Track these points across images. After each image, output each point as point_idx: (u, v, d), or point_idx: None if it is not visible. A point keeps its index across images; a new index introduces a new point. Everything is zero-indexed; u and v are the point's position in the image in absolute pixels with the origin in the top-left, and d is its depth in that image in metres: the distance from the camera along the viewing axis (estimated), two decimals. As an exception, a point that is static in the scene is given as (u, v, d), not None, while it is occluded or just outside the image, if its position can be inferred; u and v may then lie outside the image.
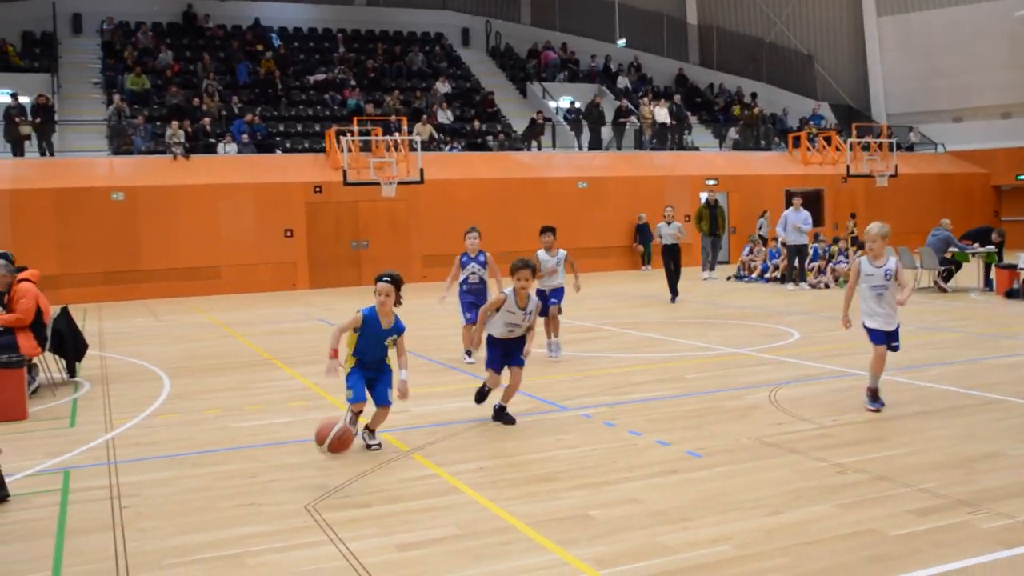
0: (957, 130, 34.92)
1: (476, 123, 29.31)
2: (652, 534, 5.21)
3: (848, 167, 29.52)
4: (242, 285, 23.34)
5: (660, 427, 7.71)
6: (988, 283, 18.68)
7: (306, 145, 26.56)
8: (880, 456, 6.66)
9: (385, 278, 6.96)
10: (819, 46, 37.98)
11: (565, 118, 30.52)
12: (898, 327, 8.23)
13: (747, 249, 23.70)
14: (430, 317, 16.21)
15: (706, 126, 33.53)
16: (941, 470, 6.29)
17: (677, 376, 10.10)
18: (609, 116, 30.75)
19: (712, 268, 23.60)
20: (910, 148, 34.38)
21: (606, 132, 30.07)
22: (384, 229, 24.78)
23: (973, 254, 19.08)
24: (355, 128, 24.17)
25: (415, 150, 23.96)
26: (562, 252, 11.67)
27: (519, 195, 25.85)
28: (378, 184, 23.15)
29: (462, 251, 11.44)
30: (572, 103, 31.43)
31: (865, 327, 8.23)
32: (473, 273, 11.27)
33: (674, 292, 18.01)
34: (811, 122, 34.15)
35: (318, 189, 24.07)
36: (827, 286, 20.15)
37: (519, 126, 29.86)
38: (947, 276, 19.09)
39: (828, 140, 31.28)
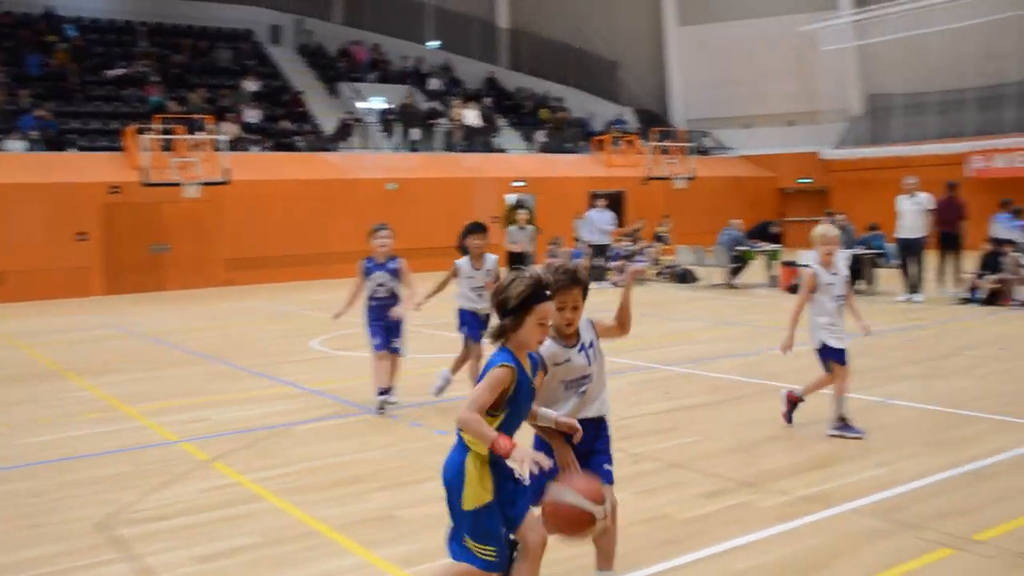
0: (748, 136, 36.97)
1: (285, 123, 28.72)
2: (456, 530, 5.29)
3: (648, 170, 30.75)
4: (28, 292, 21.93)
5: (466, 425, 7.81)
6: (773, 279, 19.89)
7: (104, 143, 25.26)
8: (673, 445, 7.01)
9: (545, 292, 3.70)
10: (624, 53, 39.34)
11: (379, 119, 30.37)
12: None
13: (553, 249, 24.28)
14: (236, 320, 15.79)
15: (515, 129, 34.11)
16: (728, 455, 6.69)
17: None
18: (420, 118, 30.81)
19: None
20: (706, 152, 36.12)
21: (416, 134, 30.11)
22: (187, 232, 23.88)
23: (759, 252, 20.28)
24: (157, 126, 23.20)
25: (220, 150, 23.22)
26: (492, 258, 8.86)
27: (328, 197, 25.50)
28: (180, 185, 22.31)
29: (368, 254, 8.86)
30: (384, 104, 31.29)
31: (828, 347, 7.29)
32: (381, 285, 8.68)
33: None
34: (615, 126, 35.34)
35: (115, 190, 22.94)
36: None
37: (329, 126, 29.48)
38: (736, 273, 20.23)
39: (631, 144, 32.47)
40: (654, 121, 36.75)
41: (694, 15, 37.75)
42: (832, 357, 7.26)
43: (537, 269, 3.74)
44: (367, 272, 8.68)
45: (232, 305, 15.10)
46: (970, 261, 17.07)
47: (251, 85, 30.18)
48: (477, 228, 8.26)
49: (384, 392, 8.43)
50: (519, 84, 38.51)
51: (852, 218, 20.90)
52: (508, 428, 3.65)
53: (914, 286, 16.57)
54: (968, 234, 17.33)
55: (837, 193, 33.33)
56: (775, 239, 20.85)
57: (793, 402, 7.52)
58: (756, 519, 5.33)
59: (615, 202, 28.80)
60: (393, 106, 30.92)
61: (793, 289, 18.29)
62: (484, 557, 3.61)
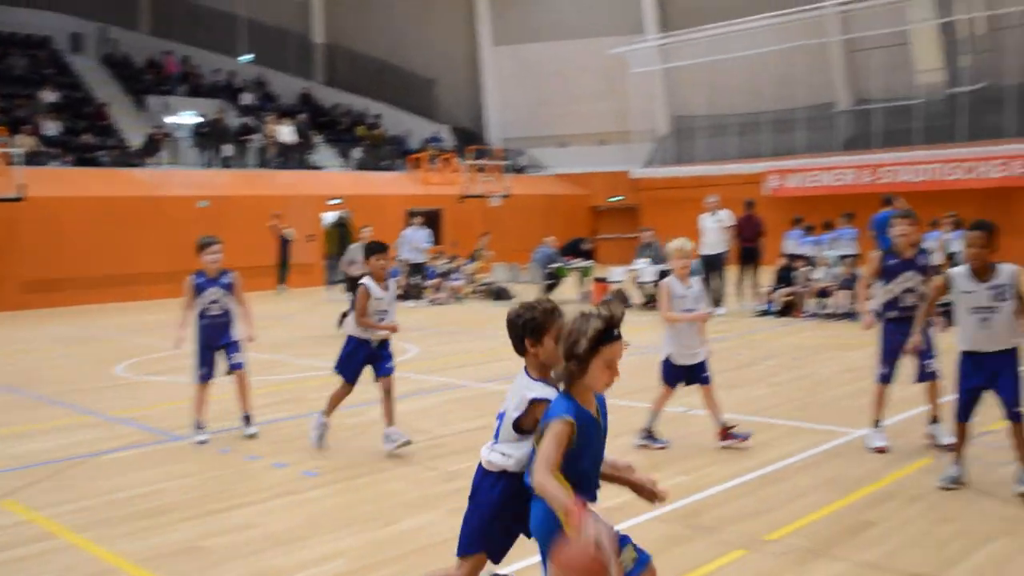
0: (562, 154, 37.97)
1: (87, 136, 27.36)
2: (266, 558, 5.19)
3: (465, 188, 31.09)
4: None
5: (278, 449, 7.67)
6: (586, 294, 20.45)
7: None
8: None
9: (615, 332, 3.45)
10: (440, 71, 39.64)
11: (189, 134, 29.36)
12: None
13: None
14: (32, 346, 14.89)
15: (331, 145, 33.76)
16: (539, 470, 6.83)
17: (297, 397, 10.09)
18: (233, 133, 30.02)
19: (342, 288, 23.72)
20: (521, 170, 36.84)
21: (229, 150, 29.31)
22: (-24, 251, 22.36)
23: (572, 269, 20.83)
24: (-60, 139, 21.66)
25: (14, 164, 21.89)
26: (393, 282, 8.04)
27: (135, 215, 24.43)
28: (-32, 201, 20.88)
29: (198, 268, 8.23)
30: (196, 118, 30.27)
31: (672, 365, 7.51)
32: (215, 302, 8.12)
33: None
34: (432, 144, 35.54)
35: None
36: (444, 302, 21.04)
37: (136, 141, 28.28)
38: (550, 289, 20.70)
39: (447, 162, 32.73)
40: (471, 139, 37.21)
41: (509, 35, 38.55)
42: (674, 376, 7.56)
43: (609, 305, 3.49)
44: (199, 288, 8.11)
45: (28, 330, 14.24)
46: (767, 275, 18.10)
47: (49, 95, 28.61)
48: (380, 248, 7.75)
49: (200, 428, 8.03)
50: (335, 100, 38.17)
51: (660, 235, 21.78)
52: (585, 474, 3.50)
53: (716, 300, 17.42)
54: (766, 250, 18.39)
55: (646, 210, 34.63)
56: (587, 255, 21.49)
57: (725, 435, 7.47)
58: (565, 531, 5.47)
59: (432, 220, 28.94)
60: (204, 120, 29.99)
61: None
62: None
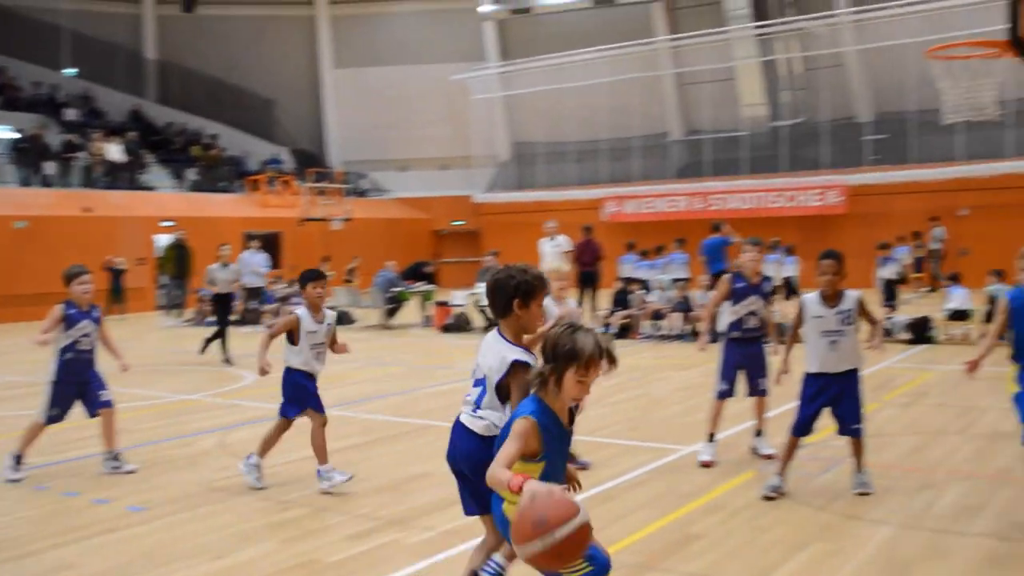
0: (403, 178, 37.96)
1: None
2: (85, 597, 4.95)
3: (305, 211, 30.62)
4: None
5: (100, 484, 7.31)
6: (427, 319, 20.46)
7: None
8: (322, 488, 6.99)
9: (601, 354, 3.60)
10: (280, 92, 38.98)
11: (6, 150, 27.76)
12: None
13: (204, 291, 23.44)
14: None
15: (164, 166, 32.63)
16: (377, 494, 6.78)
17: (123, 428, 9.65)
18: (55, 150, 28.59)
19: (179, 313, 22.88)
20: (363, 194, 36.59)
21: (51, 167, 27.89)
22: None
23: (414, 293, 20.82)
24: None
25: None
26: (331, 312, 7.59)
27: (-56, 235, 22.95)
28: None
29: (64, 298, 7.55)
30: (12, 133, 28.66)
31: None
32: (87, 335, 7.51)
33: (224, 346, 15.02)
34: (270, 166, 34.87)
35: None
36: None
37: (-55, 157, 26.57)
38: (391, 313, 20.62)
39: (287, 184, 32.18)
40: (311, 162, 36.72)
41: (350, 58, 38.35)
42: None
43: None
44: (71, 320, 7.43)
45: None
46: (605, 299, 18.58)
47: None
48: (317, 275, 7.27)
49: (19, 464, 7.46)
50: (168, 119, 36.94)
51: (502, 259, 22.03)
52: (548, 478, 3.52)
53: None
54: (603, 274, 18.87)
55: (488, 235, 35.00)
56: (429, 278, 21.51)
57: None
58: (402, 556, 5.46)
59: (271, 244, 28.37)
60: (23, 136, 28.43)
61: (448, 328, 19.01)
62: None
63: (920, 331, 14.59)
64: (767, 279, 7.88)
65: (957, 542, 5.49)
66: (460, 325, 19.17)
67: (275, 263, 26.49)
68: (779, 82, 31.55)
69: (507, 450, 3.48)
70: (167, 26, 39.13)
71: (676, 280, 18.72)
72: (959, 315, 15.03)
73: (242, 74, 38.73)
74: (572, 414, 3.75)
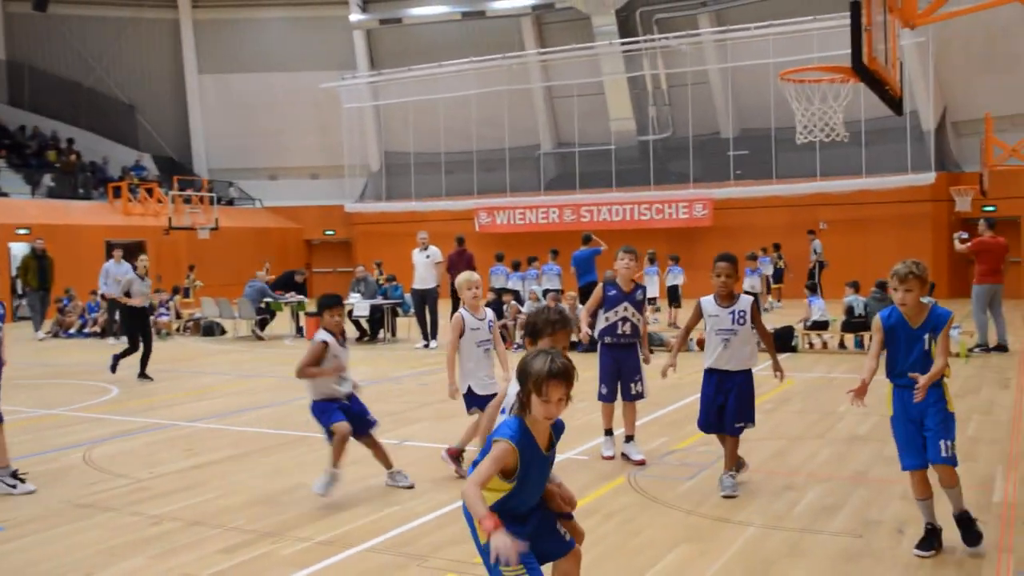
0: (273, 187, 37.35)
1: None
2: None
3: (170, 219, 29.80)
4: None
5: (-43, 502, 7.00)
6: (299, 330, 20.19)
7: None
8: (194, 503, 6.87)
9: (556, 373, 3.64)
10: (142, 96, 37.80)
11: None
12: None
13: (65, 302, 22.55)
14: None
15: (16, 171, 31.19)
16: (250, 508, 6.71)
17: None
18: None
19: (39, 326, 21.82)
20: (231, 202, 35.83)
21: None
22: None
23: (286, 303, 20.53)
24: None
25: None
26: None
27: None
28: None
29: None
30: None
31: (472, 393, 7.51)
32: None
33: (144, 362, 13.81)
34: (133, 172, 33.78)
35: None
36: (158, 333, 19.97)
37: None
38: (263, 324, 20.28)
39: (150, 192, 31.24)
40: (176, 169, 35.75)
41: (216, 64, 37.47)
42: (475, 403, 7.50)
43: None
44: None
45: None
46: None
47: None
48: (334, 302, 7.10)
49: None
50: (21, 122, 35.32)
51: (370, 268, 21.95)
52: (518, 498, 3.77)
53: (429, 334, 17.77)
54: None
55: (360, 245, 34.78)
56: (300, 288, 21.25)
57: (455, 456, 7.55)
58: (276, 568, 5.42)
59: (134, 253, 27.51)
60: None
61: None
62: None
63: (784, 340, 15.20)
64: (639, 287, 8.12)
65: (816, 540, 5.80)
66: (332, 336, 18.96)
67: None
68: (646, 98, 32.42)
69: (483, 469, 3.64)
70: (17, 24, 37.35)
71: (548, 291, 19.01)
72: (819, 325, 15.75)
73: (101, 77, 37.38)
74: (551, 438, 3.84)
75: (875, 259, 24.69)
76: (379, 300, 19.41)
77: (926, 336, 5.38)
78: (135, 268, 14.33)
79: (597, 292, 8.06)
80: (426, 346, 17.53)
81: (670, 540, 5.83)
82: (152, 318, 20.14)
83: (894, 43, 6.93)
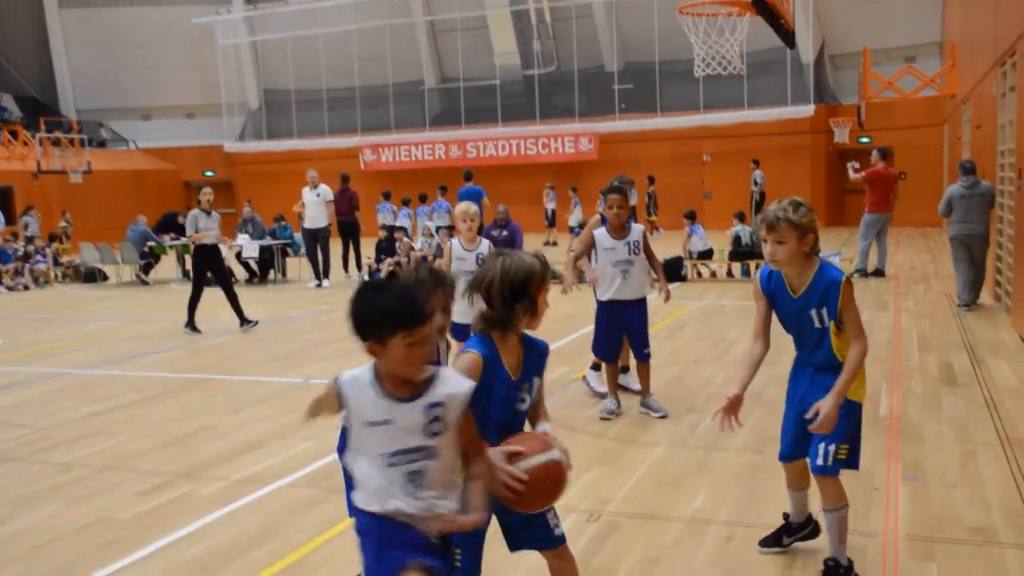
0: (148, 128, 36.01)
1: None
2: None
3: (39, 163, 28.48)
4: None
5: None
6: (186, 273, 19.66)
7: None
8: (102, 448, 6.75)
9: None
10: (0, 35, 35.74)
11: None
12: None
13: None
14: None
15: None
16: (161, 451, 6.63)
17: None
18: None
19: None
20: (103, 144, 34.41)
21: None
22: None
23: (170, 246, 19.99)
24: None
25: None
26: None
27: None
28: None
29: None
30: None
31: (455, 324, 7.19)
32: None
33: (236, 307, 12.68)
34: (0, 114, 32.11)
35: None
36: (26, 287, 19.22)
37: None
38: (147, 268, 19.72)
39: (14, 134, 29.74)
40: (41, 110, 34.08)
41: (78, -2, 35.56)
42: (456, 332, 7.37)
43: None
44: None
45: None
46: (368, 248, 18.61)
47: None
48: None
49: None
50: None
51: (259, 210, 21.50)
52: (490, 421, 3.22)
53: (321, 273, 17.59)
54: (362, 222, 18.88)
55: (242, 186, 33.98)
56: (183, 230, 20.66)
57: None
58: (197, 508, 5.41)
59: (3, 198, 26.32)
60: None
61: (207, 282, 18.40)
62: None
63: (673, 270, 15.57)
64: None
65: (720, 457, 6.09)
66: (222, 278, 18.58)
67: (8, 219, 24.69)
68: (530, 31, 32.34)
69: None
70: None
71: (440, 228, 19.01)
72: (704, 255, 16.22)
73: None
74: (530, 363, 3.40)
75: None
76: (268, 240, 19.08)
77: (813, 312, 3.94)
78: (199, 203, 12.51)
79: (588, 237, 7.43)
80: (319, 285, 17.37)
81: (583, 463, 6.02)
82: (27, 266, 19.42)
83: (786, -24, 7.13)
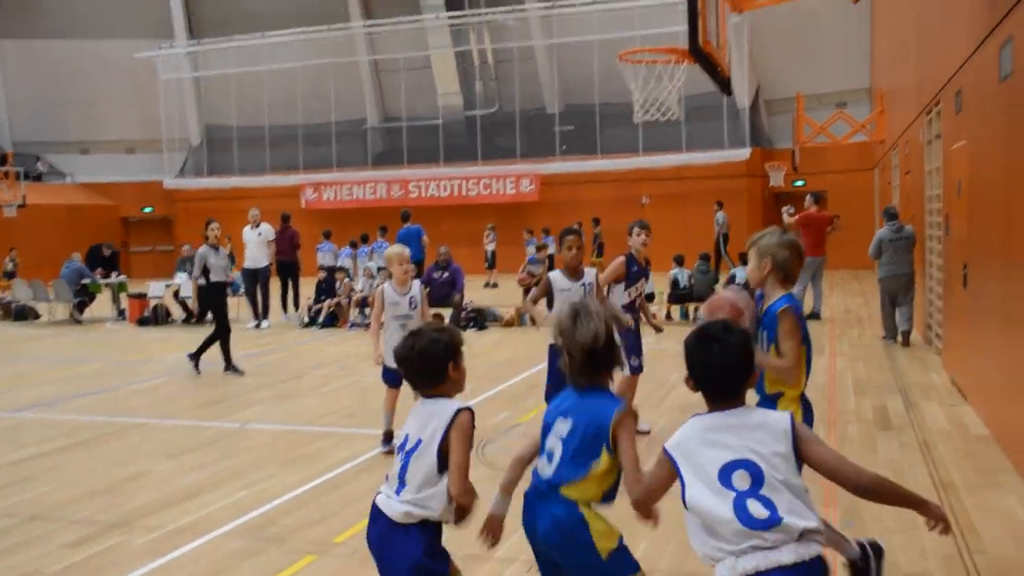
0: (86, 162, 35.45)
1: None
2: None
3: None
4: None
5: None
6: (121, 312, 19.35)
7: None
8: (29, 496, 6.57)
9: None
10: (-70, 63, 35.05)
11: None
12: None
13: None
14: None
15: None
16: (92, 499, 6.47)
17: None
18: None
19: None
20: (39, 178, 33.79)
21: None
22: None
23: (106, 284, 19.64)
24: None
25: None
26: None
27: None
28: None
29: None
30: None
31: (388, 368, 7.37)
32: None
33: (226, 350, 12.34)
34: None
35: None
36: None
37: None
38: (81, 307, 19.33)
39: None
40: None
41: (18, 29, 35.03)
42: (388, 376, 7.46)
43: None
44: None
45: None
46: (308, 288, 18.47)
47: None
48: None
49: None
50: None
51: (198, 248, 21.20)
52: None
53: (261, 313, 17.40)
54: (302, 262, 18.75)
55: (182, 223, 33.57)
56: (111, 263, 20.38)
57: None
58: (130, 559, 5.29)
59: (-68, 232, 25.71)
60: None
61: (143, 321, 18.16)
62: None
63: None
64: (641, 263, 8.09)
65: (663, 503, 6.10)
66: (157, 318, 18.34)
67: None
68: (473, 72, 32.57)
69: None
70: None
71: (381, 268, 18.94)
72: (646, 298, 16.34)
73: None
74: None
75: (696, 232, 25.85)
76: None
77: (762, 334, 4.20)
78: (206, 239, 12.06)
79: (619, 267, 7.92)
80: (257, 326, 17.16)
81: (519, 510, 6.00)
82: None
83: (724, 27, 7.30)
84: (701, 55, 6.22)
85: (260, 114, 32.83)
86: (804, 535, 2.77)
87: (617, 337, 3.42)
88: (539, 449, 3.42)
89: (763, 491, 2.80)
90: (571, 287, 7.14)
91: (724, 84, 7.50)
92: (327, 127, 32.81)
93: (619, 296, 7.98)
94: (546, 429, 3.41)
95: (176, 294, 18.63)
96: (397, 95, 32.83)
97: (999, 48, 6.73)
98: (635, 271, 8.00)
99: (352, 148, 33.34)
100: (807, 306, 15.58)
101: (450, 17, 31.78)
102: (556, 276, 7.23)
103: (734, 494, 2.81)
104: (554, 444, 3.33)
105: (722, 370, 2.97)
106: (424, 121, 32.29)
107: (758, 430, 2.92)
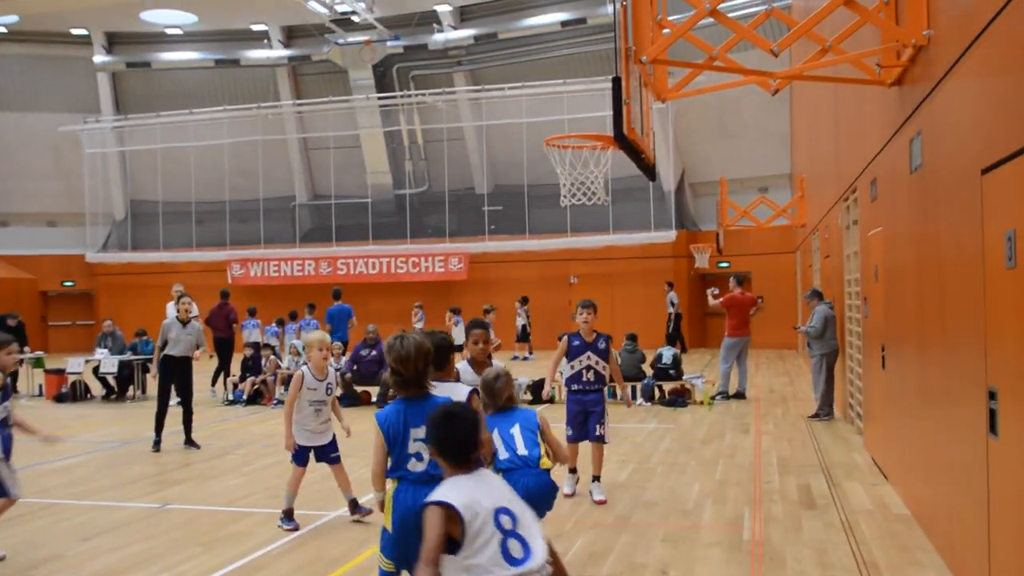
0: (5, 234, 34.67)
1: None
2: None
3: None
4: None
5: None
6: (39, 388, 18.80)
7: None
8: None
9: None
10: None
11: None
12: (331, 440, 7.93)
13: None
14: None
15: None
16: (1, 585, 6.22)
17: None
18: None
19: None
20: (-48, 250, 32.91)
21: None
22: None
23: (22, 361, 19.07)
24: None
25: None
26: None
27: None
28: None
29: None
30: None
31: (300, 446, 7.76)
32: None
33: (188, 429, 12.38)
34: None
35: None
36: None
37: None
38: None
39: None
40: None
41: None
42: (298, 455, 7.73)
43: None
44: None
45: None
46: (235, 364, 18.16)
47: None
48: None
49: None
50: None
51: (121, 323, 20.82)
52: None
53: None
54: (236, 339, 18.48)
55: (104, 297, 32.93)
56: (18, 334, 19.80)
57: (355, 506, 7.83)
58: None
59: None
60: None
61: (61, 398, 17.65)
62: None
63: (536, 392, 15.23)
64: (601, 336, 8.61)
65: (586, 580, 6.09)
66: (76, 394, 17.84)
67: None
68: (402, 152, 32.87)
69: None
70: None
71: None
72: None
73: None
74: None
75: (623, 312, 26.15)
76: (128, 356, 18.43)
77: None
78: (177, 311, 11.81)
79: (563, 344, 8.58)
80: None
81: None
82: None
83: (648, 115, 7.52)
84: (626, 142, 6.38)
85: (187, 190, 32.59)
86: None
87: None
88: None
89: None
90: (476, 380, 6.28)
91: (649, 170, 7.69)
92: (255, 203, 32.68)
93: (565, 369, 8.63)
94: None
95: (95, 370, 18.17)
96: (326, 173, 32.91)
97: (909, 141, 7.05)
98: (576, 345, 8.52)
99: (280, 225, 33.21)
100: (732, 385, 15.82)
101: (380, 98, 32.16)
102: (463, 367, 6.50)
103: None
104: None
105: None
106: (353, 199, 32.37)
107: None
